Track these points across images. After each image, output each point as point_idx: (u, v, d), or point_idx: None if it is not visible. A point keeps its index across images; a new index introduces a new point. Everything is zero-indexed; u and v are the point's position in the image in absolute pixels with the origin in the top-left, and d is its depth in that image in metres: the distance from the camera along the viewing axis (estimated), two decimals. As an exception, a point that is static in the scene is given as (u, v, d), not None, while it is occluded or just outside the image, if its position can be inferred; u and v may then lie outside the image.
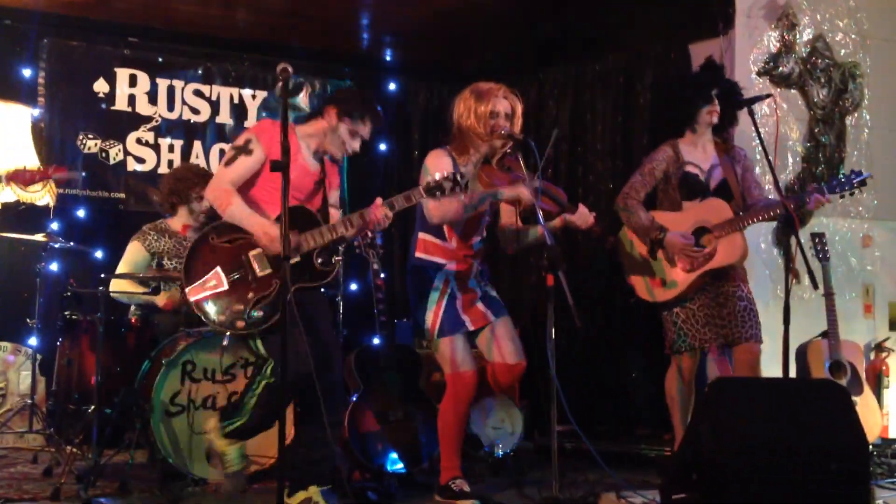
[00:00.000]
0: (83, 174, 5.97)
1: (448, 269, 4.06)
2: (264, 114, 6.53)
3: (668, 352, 4.44)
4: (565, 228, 4.07)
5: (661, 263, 4.37)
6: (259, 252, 3.65)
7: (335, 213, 3.93)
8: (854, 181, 4.25)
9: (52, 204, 5.42)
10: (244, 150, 3.70)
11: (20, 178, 3.92)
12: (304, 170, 3.81)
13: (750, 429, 3.37)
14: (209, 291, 3.61)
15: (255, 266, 3.65)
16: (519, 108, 4.07)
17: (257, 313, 3.60)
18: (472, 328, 4.03)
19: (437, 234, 4.08)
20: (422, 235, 4.11)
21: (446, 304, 4.02)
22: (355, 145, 3.89)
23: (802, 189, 5.17)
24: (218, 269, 3.62)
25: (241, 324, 3.60)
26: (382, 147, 6.96)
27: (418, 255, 4.11)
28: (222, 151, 6.38)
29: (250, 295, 3.62)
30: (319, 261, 3.70)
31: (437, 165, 3.97)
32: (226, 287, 3.62)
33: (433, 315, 4.03)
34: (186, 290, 3.62)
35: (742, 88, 4.51)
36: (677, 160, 4.43)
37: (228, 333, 3.90)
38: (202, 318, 3.64)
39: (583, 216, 4.01)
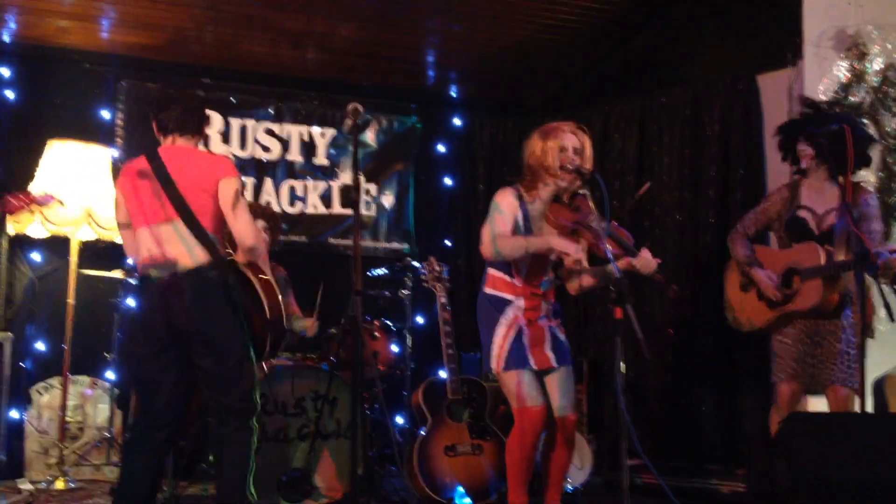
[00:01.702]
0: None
1: (516, 305, 4.06)
2: (333, 151, 6.65)
3: (772, 381, 4.41)
4: (629, 273, 3.95)
5: (752, 295, 4.44)
6: None
7: None
8: None
9: (129, 241, 5.55)
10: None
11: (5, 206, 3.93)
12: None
13: (826, 465, 3.31)
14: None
15: None
16: (588, 144, 4.07)
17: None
18: (535, 368, 3.99)
19: (506, 271, 4.08)
20: (491, 271, 4.12)
21: (513, 338, 4.00)
22: None
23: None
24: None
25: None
26: (448, 181, 7.02)
27: (487, 290, 4.12)
28: (292, 188, 6.51)
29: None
30: None
31: (505, 203, 4.01)
32: None
33: (498, 348, 4.00)
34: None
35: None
36: (791, 202, 4.43)
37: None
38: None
39: (646, 262, 3.91)
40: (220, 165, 3.67)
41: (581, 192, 4.00)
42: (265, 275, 3.75)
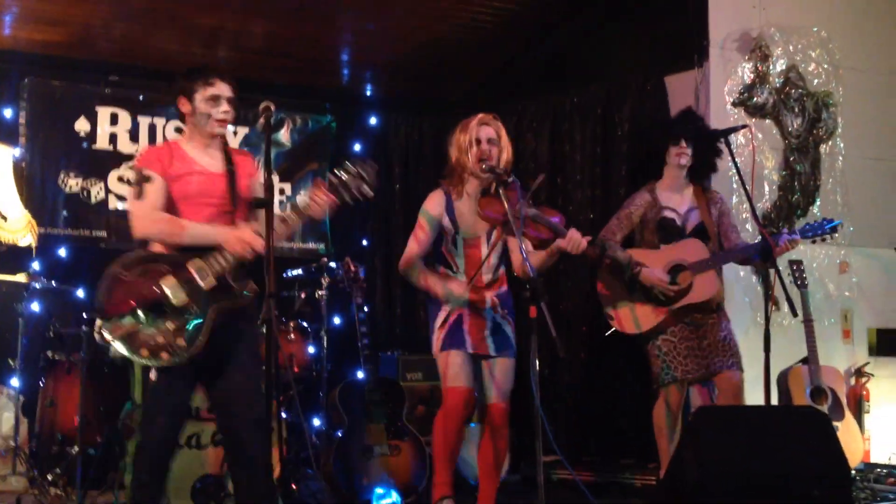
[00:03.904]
0: (64, 213, 5.97)
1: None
2: (245, 149, 6.55)
3: (656, 385, 4.51)
4: (564, 254, 3.99)
5: (637, 298, 4.50)
6: (173, 282, 3.47)
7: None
8: (826, 227, 4.45)
9: (33, 244, 5.39)
10: (144, 179, 3.55)
11: None
12: (207, 176, 3.62)
13: (733, 457, 3.40)
14: (127, 328, 3.43)
15: (170, 295, 3.46)
16: (503, 132, 4.11)
17: (180, 342, 3.45)
18: (470, 350, 4.02)
19: (449, 267, 4.15)
20: (440, 266, 4.18)
21: (453, 323, 4.05)
22: (222, 110, 3.61)
23: (779, 219, 5.29)
24: (133, 304, 3.44)
25: (165, 355, 3.42)
26: (364, 180, 6.98)
27: None
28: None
29: (169, 325, 3.45)
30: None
31: (431, 203, 4.09)
32: (143, 321, 3.44)
33: (438, 332, 4.07)
34: (104, 330, 3.43)
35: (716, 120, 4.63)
36: (655, 205, 4.61)
37: (154, 368, 3.61)
38: (126, 355, 3.43)
39: (574, 243, 3.91)
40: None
41: (510, 179, 3.96)
42: None
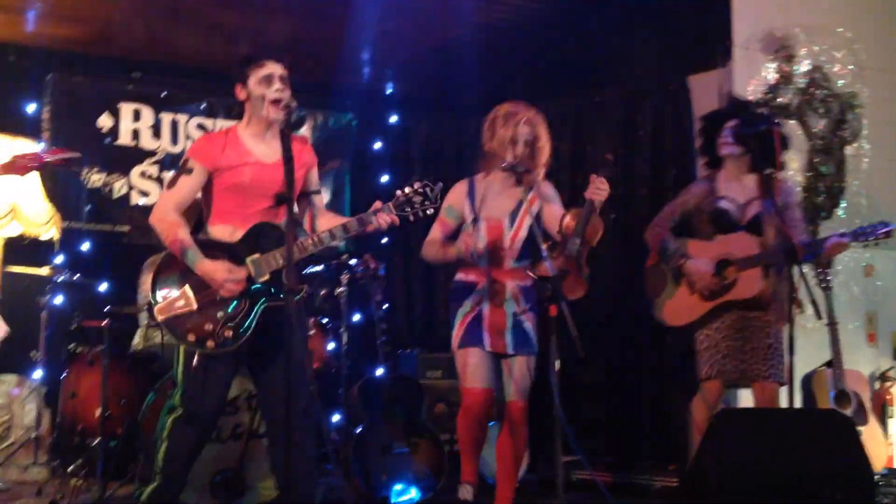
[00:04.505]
0: (87, 208, 6.01)
1: (480, 290, 4.08)
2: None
3: (699, 378, 4.40)
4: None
5: (683, 289, 4.36)
6: None
7: (319, 200, 3.81)
8: (879, 230, 4.18)
9: (56, 238, 5.44)
10: (185, 170, 3.54)
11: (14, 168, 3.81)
12: (262, 167, 3.59)
13: (755, 460, 3.38)
14: (178, 311, 3.46)
15: None
16: (543, 134, 4.13)
17: (227, 333, 3.49)
18: (488, 348, 4.01)
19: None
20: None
21: (471, 320, 4.05)
22: (275, 88, 3.56)
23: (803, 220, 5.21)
24: (186, 287, 3.47)
25: (210, 343, 3.46)
26: (384, 179, 7.00)
27: (456, 276, 4.18)
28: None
29: (220, 314, 3.49)
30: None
31: (452, 196, 4.14)
32: (195, 307, 3.46)
33: (457, 329, 4.07)
34: (155, 309, 3.46)
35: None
36: (711, 194, 4.41)
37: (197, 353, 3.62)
38: (172, 337, 3.48)
39: (598, 191, 3.94)
40: None
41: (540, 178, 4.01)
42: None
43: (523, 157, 4.03)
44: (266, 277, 3.49)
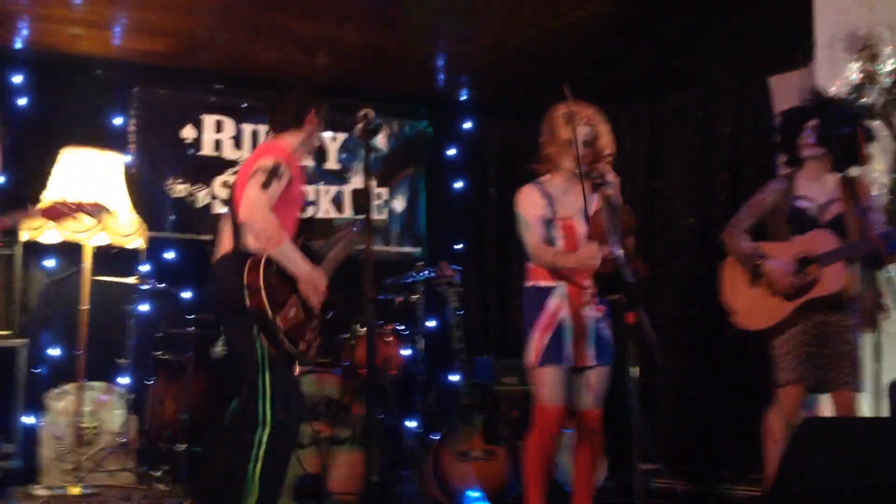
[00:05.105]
0: (171, 217, 6.17)
1: (560, 291, 3.99)
2: (344, 155, 6.66)
3: (776, 385, 4.29)
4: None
5: (761, 291, 4.24)
6: None
7: None
8: None
9: (142, 247, 5.59)
10: (277, 173, 3.52)
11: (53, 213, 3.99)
12: (302, 183, 3.78)
13: (840, 471, 3.29)
14: (294, 320, 3.49)
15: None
16: (604, 132, 4.05)
17: (319, 342, 3.58)
18: (571, 363, 3.93)
19: None
20: (529, 264, 4.08)
21: (553, 333, 3.94)
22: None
23: (889, 223, 5.05)
24: (294, 296, 3.51)
25: (312, 353, 3.55)
26: (458, 184, 7.02)
27: (528, 283, 4.07)
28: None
29: (315, 323, 3.58)
30: None
31: (529, 207, 4.03)
32: (303, 316, 3.52)
33: (536, 342, 3.95)
34: (278, 318, 3.42)
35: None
36: (789, 193, 4.31)
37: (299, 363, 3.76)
38: (287, 349, 3.44)
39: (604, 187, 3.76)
40: (264, 148, 3.76)
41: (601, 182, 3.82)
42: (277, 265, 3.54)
43: (585, 158, 3.96)
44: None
